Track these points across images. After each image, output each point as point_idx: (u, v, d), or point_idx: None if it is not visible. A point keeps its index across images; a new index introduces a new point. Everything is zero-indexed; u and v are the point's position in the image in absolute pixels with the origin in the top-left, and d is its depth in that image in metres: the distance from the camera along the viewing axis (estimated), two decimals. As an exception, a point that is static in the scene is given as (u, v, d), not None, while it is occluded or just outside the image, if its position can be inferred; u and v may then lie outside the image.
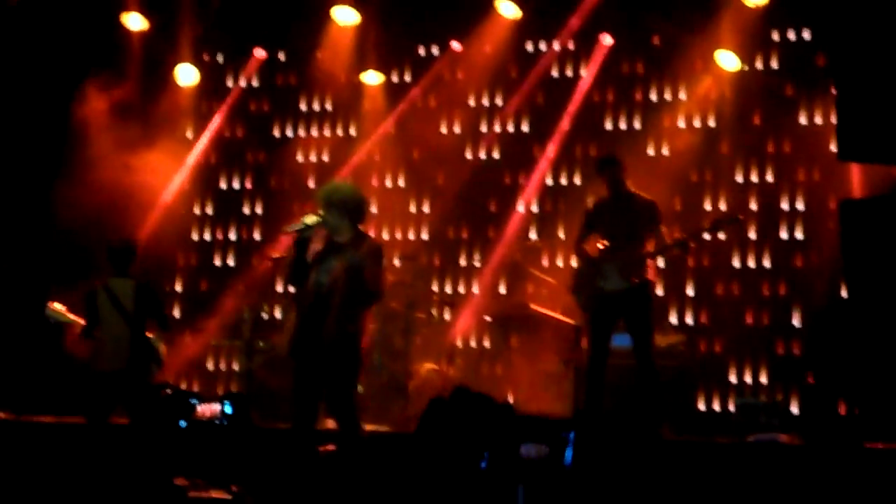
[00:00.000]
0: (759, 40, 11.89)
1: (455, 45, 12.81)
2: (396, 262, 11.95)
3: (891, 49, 6.36)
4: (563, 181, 12.50)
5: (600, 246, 9.30)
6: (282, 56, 13.46)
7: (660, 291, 11.05)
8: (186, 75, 13.14)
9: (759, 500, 7.82)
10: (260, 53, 13.37)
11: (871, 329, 5.97)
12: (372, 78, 13.04)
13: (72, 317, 9.52)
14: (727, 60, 11.80)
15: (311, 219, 7.95)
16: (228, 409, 8.74)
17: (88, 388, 9.01)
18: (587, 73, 12.47)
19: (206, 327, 12.65)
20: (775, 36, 11.98)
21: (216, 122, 13.37)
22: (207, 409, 8.74)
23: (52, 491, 8.72)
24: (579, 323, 9.90)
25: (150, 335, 9.21)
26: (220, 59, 13.50)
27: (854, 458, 7.94)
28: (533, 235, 12.39)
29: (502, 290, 12.28)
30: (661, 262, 10.18)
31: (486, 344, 12.22)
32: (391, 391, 10.89)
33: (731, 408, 10.86)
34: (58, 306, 9.60)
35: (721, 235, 9.75)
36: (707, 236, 9.56)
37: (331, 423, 8.09)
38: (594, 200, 9.80)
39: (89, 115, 12.25)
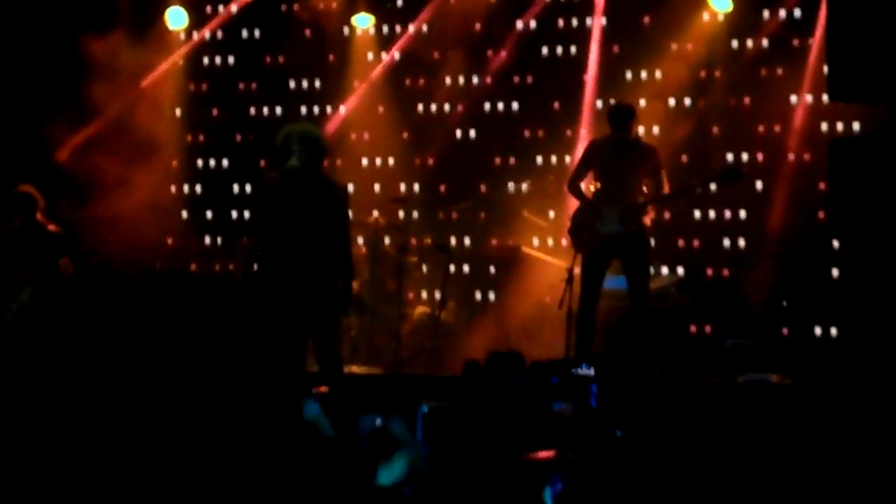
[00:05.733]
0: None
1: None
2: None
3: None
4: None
5: (592, 188, 9.32)
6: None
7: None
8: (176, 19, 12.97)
9: (750, 440, 7.85)
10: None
11: (859, 265, 5.98)
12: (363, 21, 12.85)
13: None
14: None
15: None
16: None
17: None
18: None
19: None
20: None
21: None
22: None
23: None
24: (571, 266, 9.90)
25: None
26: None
27: (842, 398, 7.98)
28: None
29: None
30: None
31: (478, 291, 12.08)
32: (383, 335, 10.91)
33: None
34: None
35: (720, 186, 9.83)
36: (713, 186, 9.57)
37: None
38: (593, 140, 9.79)
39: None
